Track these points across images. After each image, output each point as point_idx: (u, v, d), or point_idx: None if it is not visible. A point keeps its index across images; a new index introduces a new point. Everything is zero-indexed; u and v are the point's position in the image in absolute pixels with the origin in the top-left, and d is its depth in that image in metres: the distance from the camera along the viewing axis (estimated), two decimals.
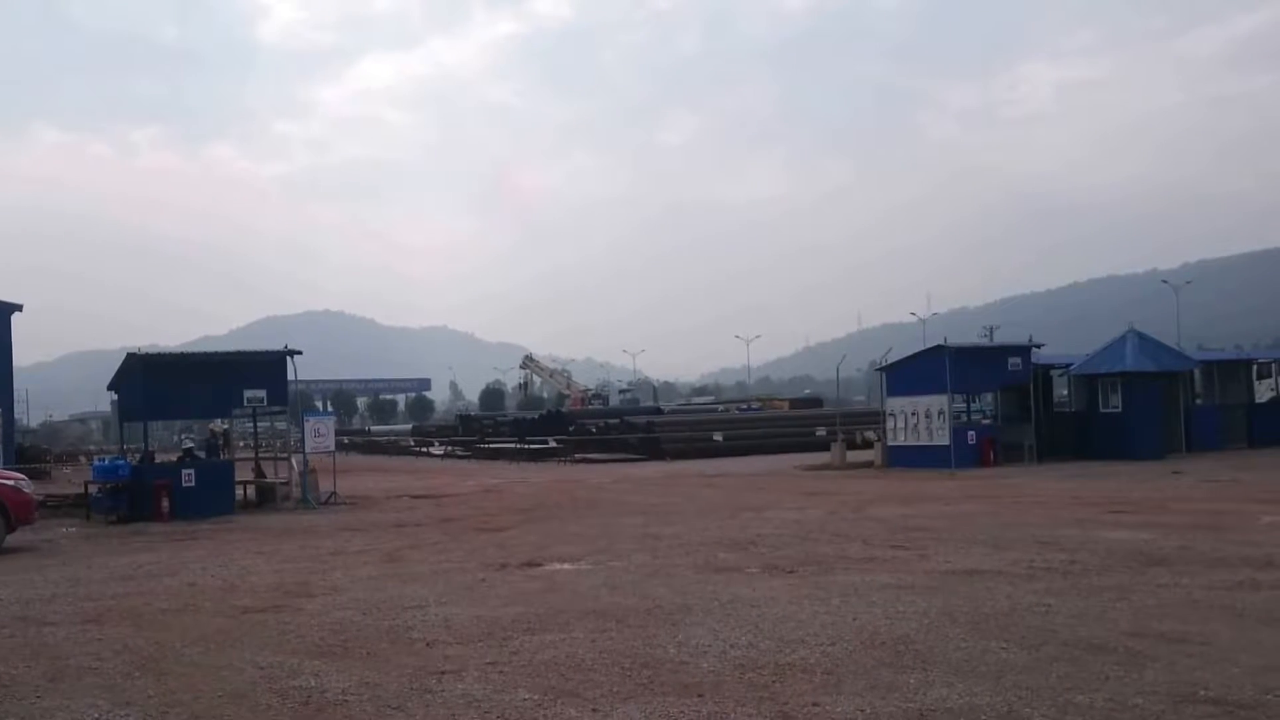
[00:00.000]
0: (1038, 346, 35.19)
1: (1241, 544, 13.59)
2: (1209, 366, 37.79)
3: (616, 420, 58.03)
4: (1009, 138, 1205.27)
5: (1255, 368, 39.79)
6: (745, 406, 77.14)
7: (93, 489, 24.79)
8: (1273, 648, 8.07)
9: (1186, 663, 7.71)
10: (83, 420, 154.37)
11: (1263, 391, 39.01)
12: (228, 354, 27.69)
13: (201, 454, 27.91)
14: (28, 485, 19.13)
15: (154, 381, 25.11)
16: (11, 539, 18.13)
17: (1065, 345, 48.51)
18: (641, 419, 57.11)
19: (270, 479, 28.02)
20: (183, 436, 45.55)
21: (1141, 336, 34.76)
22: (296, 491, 26.28)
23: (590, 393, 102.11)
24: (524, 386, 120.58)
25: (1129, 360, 33.41)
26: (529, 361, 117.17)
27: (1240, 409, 37.11)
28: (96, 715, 7.28)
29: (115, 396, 32.37)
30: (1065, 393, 39.87)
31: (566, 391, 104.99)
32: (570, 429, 57.11)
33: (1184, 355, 37.82)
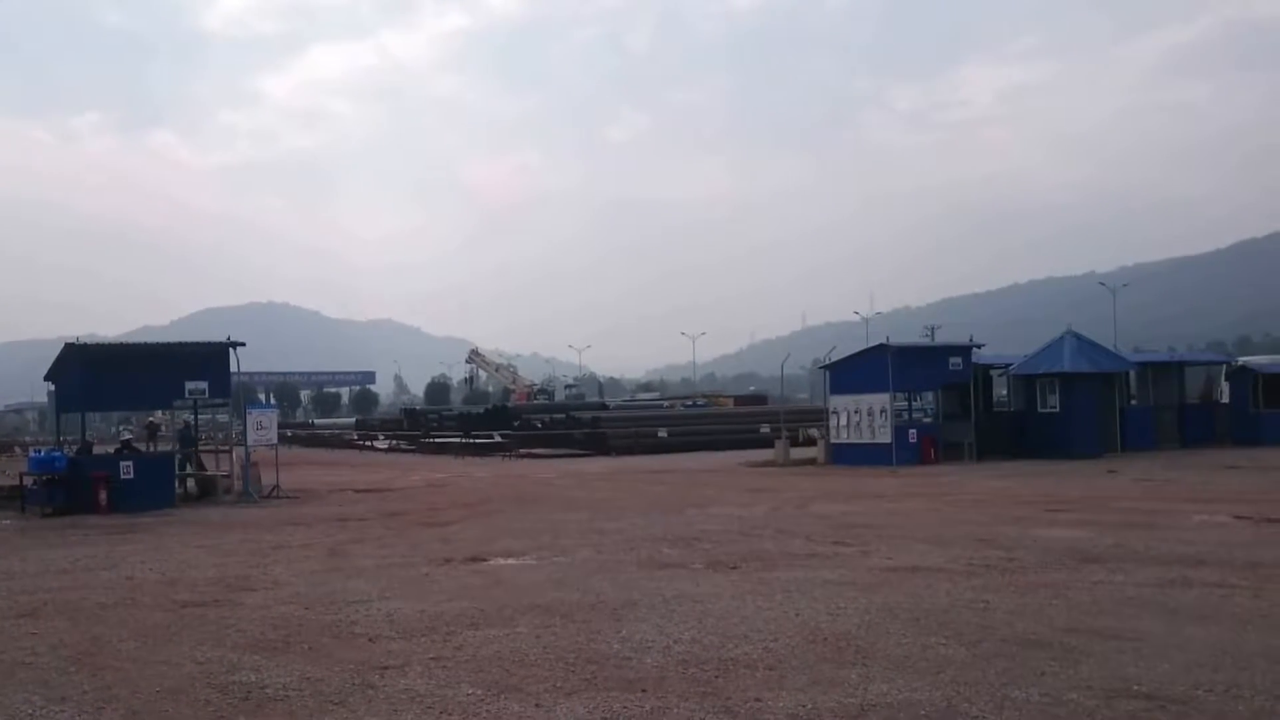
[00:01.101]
0: (978, 346, 35.50)
1: (1174, 542, 13.81)
2: (1144, 368, 38.28)
3: (562, 415, 57.91)
4: (952, 140, 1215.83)
5: (1224, 368, 40.60)
6: (690, 403, 77.16)
7: (28, 481, 24.42)
8: (1203, 644, 8.22)
9: (1120, 658, 7.85)
10: (19, 411, 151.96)
11: (1226, 393, 39.65)
12: (169, 345, 27.33)
13: (141, 446, 27.59)
14: None
15: (92, 372, 24.70)
16: None
17: (1005, 346, 48.89)
18: (587, 414, 57.04)
19: (212, 472, 27.73)
20: (121, 428, 44.92)
21: (1079, 338, 35.16)
22: (238, 485, 26.06)
23: (536, 388, 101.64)
24: (470, 381, 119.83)
25: (1067, 361, 33.79)
26: (475, 356, 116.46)
27: (1173, 410, 37.67)
28: (31, 711, 7.20)
29: (52, 387, 31.91)
30: (1005, 392, 40.20)
31: (512, 386, 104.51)
32: (516, 424, 56.88)
33: (1120, 357, 38.31)
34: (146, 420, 38.53)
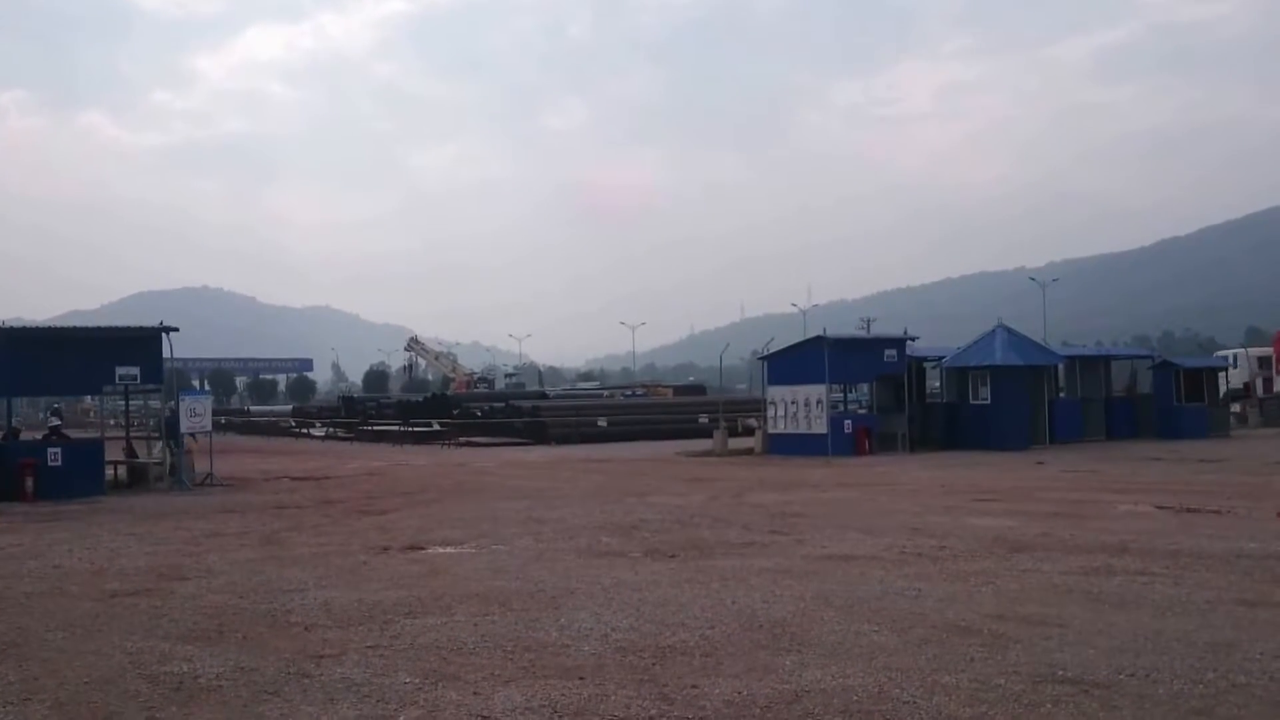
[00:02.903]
0: (912, 339, 35.87)
1: (1099, 531, 14.06)
2: (1072, 362, 38.90)
3: (502, 404, 57.72)
4: (888, 136, 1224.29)
5: (1149, 363, 41.31)
6: (630, 392, 77.28)
7: None
8: (1126, 630, 8.39)
9: (1046, 644, 7.99)
10: None
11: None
12: (98, 329, 26.97)
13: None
14: None
15: (18, 355, 24.20)
16: None
17: (938, 339, 49.43)
18: (527, 403, 56.90)
19: (143, 459, 27.38)
20: (48, 414, 44.27)
21: (1010, 331, 35.61)
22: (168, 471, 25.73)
23: (476, 376, 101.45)
24: (409, 369, 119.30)
25: (998, 354, 34.21)
26: (414, 344, 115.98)
27: (1099, 403, 38.33)
28: None
29: None
30: (938, 384, 40.66)
31: (452, 375, 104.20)
32: (455, 412, 56.62)
33: (1049, 350, 38.82)
34: (54, 406, 37.99)
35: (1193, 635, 8.22)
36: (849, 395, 38.98)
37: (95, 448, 25.48)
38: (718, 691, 6.93)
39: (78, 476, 23.32)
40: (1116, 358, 42.30)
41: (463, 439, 48.88)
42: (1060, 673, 7.21)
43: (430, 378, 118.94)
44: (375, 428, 58.19)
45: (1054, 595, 9.90)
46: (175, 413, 28.26)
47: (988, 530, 14.40)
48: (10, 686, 7.46)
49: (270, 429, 71.58)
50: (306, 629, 9.10)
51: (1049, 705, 6.54)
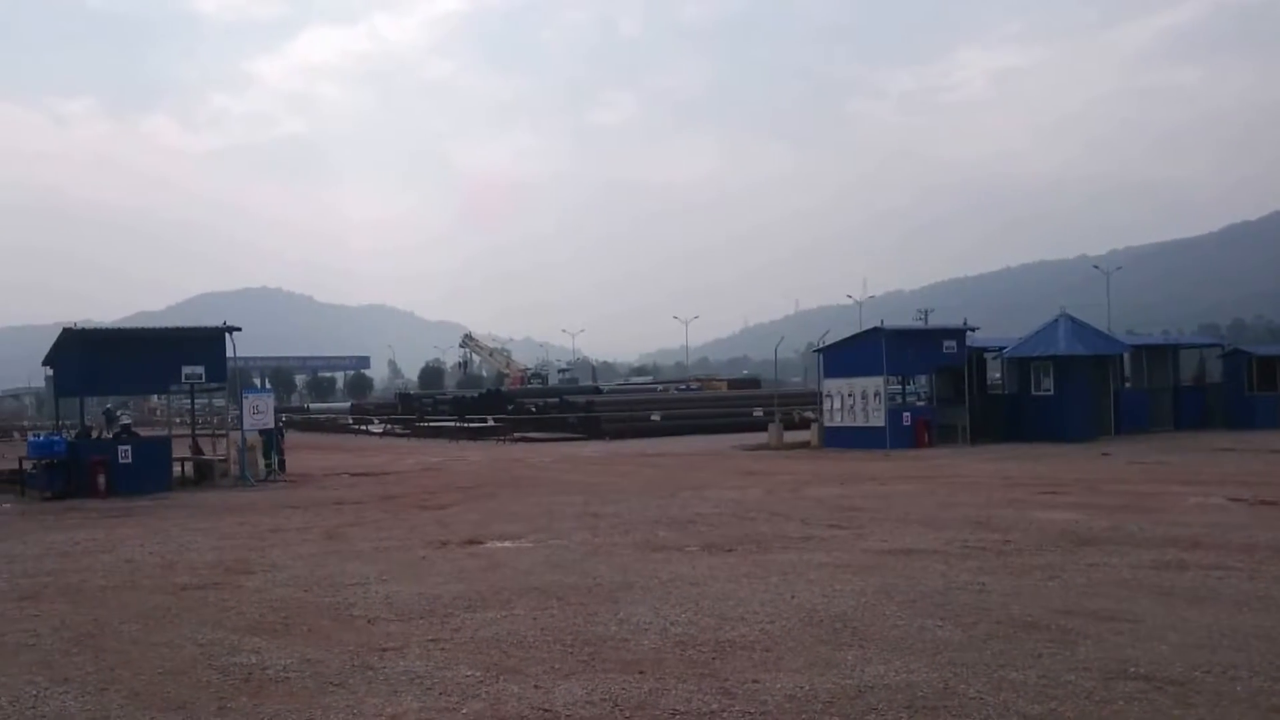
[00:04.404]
0: (972, 330, 35.51)
1: (1169, 525, 13.86)
2: (1138, 351, 38.33)
3: (556, 399, 57.89)
4: (944, 124, 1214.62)
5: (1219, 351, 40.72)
6: (684, 387, 77.13)
7: (27, 465, 24.46)
8: (1199, 626, 8.27)
9: (1116, 640, 7.89)
10: (16, 396, 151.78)
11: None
12: (166, 329, 27.32)
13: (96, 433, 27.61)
14: None
15: (91, 357, 24.76)
16: None
17: (998, 329, 49.05)
18: (581, 398, 57.02)
19: (209, 456, 27.75)
20: (120, 413, 44.90)
21: (1073, 320, 35.15)
22: (235, 469, 26.09)
23: (530, 372, 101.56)
24: (463, 365, 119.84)
25: (1061, 344, 33.80)
26: (468, 340, 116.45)
27: (1167, 392, 37.78)
28: (35, 692, 7.22)
29: (50, 372, 31.89)
30: (998, 375, 40.22)
31: (506, 370, 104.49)
32: (509, 408, 56.86)
33: (1114, 340, 38.28)
34: (104, 407, 38.51)
35: (1272, 631, 8.07)
36: (907, 387, 38.69)
37: (163, 445, 25.86)
38: (779, 686, 6.90)
39: (147, 473, 23.74)
40: (1184, 346, 41.58)
41: (517, 434, 49.07)
42: (1132, 669, 7.12)
43: (485, 374, 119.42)
44: (431, 424, 58.57)
45: (1124, 590, 9.76)
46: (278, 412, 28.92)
47: (1053, 524, 14.24)
48: (89, 676, 7.60)
49: (329, 426, 72.28)
50: (369, 622, 9.17)
51: (1121, 702, 6.45)
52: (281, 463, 27.95)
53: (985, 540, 12.88)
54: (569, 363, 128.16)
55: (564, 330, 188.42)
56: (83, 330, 25.62)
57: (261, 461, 27.56)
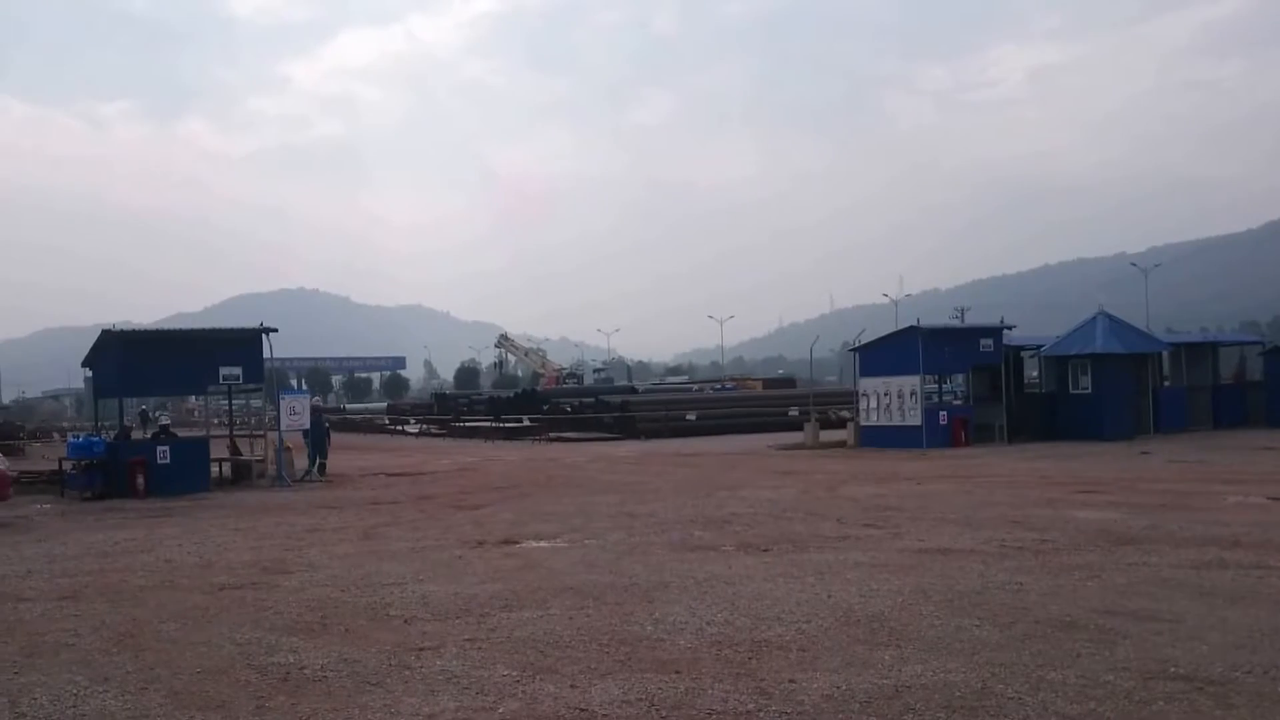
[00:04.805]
0: (1009, 328, 35.36)
1: (1209, 524, 13.74)
2: (1176, 349, 38.01)
3: (591, 399, 57.91)
4: (980, 121, 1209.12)
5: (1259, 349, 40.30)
6: (719, 386, 77.06)
7: (67, 466, 24.69)
8: (1240, 626, 8.19)
9: (1156, 640, 7.83)
10: (56, 397, 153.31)
11: None
12: (204, 330, 27.48)
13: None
14: (2, 462, 19.07)
15: (129, 358, 24.95)
16: None
17: (1035, 327, 48.67)
18: (616, 398, 57.01)
19: (246, 456, 27.93)
20: (158, 414, 45.40)
21: (1111, 319, 34.92)
22: (272, 469, 26.25)
23: (565, 372, 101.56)
24: (499, 365, 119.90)
25: (1099, 342, 33.58)
26: (504, 340, 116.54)
27: (1206, 391, 37.42)
28: (75, 691, 7.28)
29: (90, 373, 32.18)
30: (1036, 374, 40.00)
31: (541, 370, 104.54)
32: (545, 408, 56.93)
33: (1152, 338, 38.04)
34: (139, 408, 38.86)
35: None
36: (944, 386, 38.53)
37: (201, 446, 26.04)
38: (816, 686, 6.88)
39: (185, 474, 23.89)
40: (1224, 344, 41.20)
41: (553, 434, 49.10)
42: (1172, 669, 7.06)
43: (520, 374, 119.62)
44: (467, 424, 58.71)
45: (1163, 589, 9.69)
46: (318, 410, 29.14)
47: (1091, 523, 14.14)
48: (128, 676, 7.65)
49: (365, 426, 72.49)
50: (406, 622, 9.20)
51: (1161, 702, 6.40)
52: (322, 465, 28.07)
53: (1023, 539, 12.81)
54: (604, 362, 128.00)
55: (599, 330, 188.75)
56: (121, 332, 25.81)
57: (311, 460, 27.80)
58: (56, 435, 56.20)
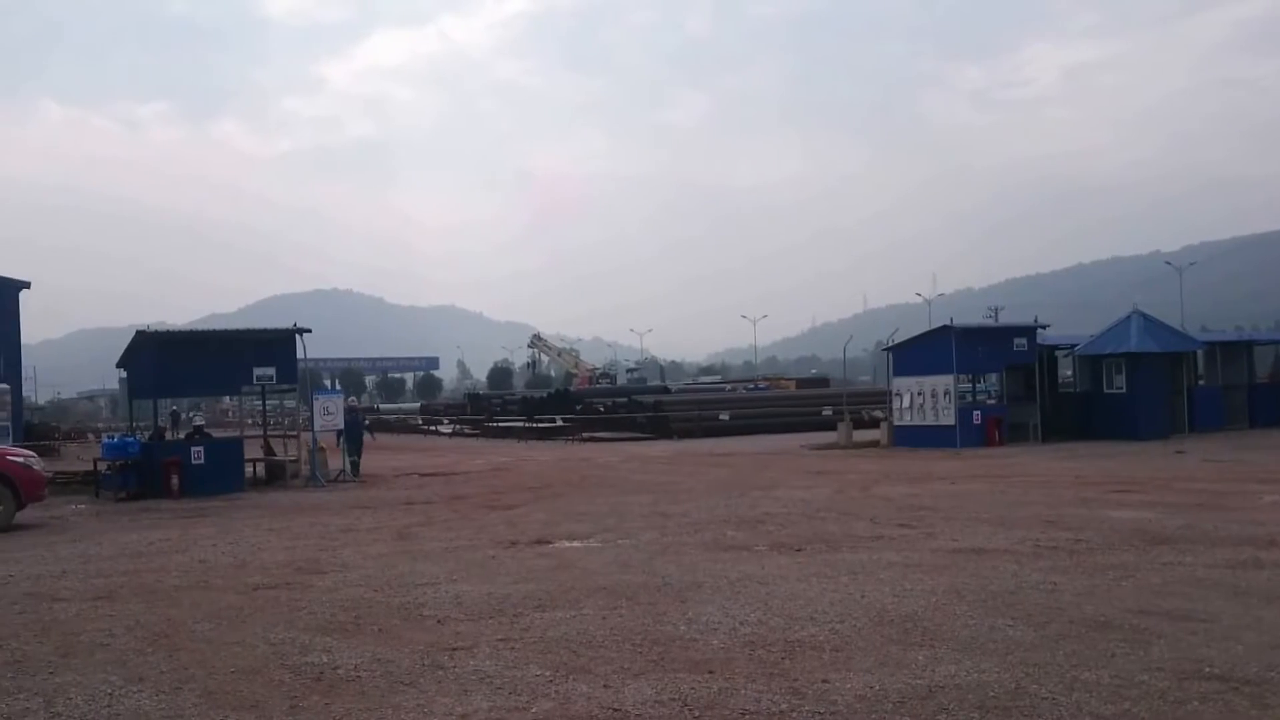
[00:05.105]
0: (1043, 327, 35.22)
1: (1244, 523, 13.63)
2: (1212, 347, 37.72)
3: (624, 399, 57.95)
4: (1014, 120, 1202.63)
5: None
6: (752, 386, 77.06)
7: (102, 466, 24.89)
8: (1276, 625, 8.12)
9: (1191, 640, 7.77)
10: (91, 398, 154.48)
11: None
12: (237, 331, 27.63)
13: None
14: (37, 462, 19.20)
15: (164, 359, 25.10)
16: (21, 516, 18.24)
17: (1069, 327, 48.41)
18: (649, 398, 57.05)
19: (280, 457, 28.08)
20: (192, 414, 45.72)
21: (1146, 317, 34.69)
22: (306, 469, 26.39)
23: (598, 372, 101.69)
24: (532, 365, 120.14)
25: (1133, 341, 33.38)
26: (537, 340, 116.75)
27: (1242, 389, 37.12)
28: (109, 690, 7.32)
29: (124, 374, 32.43)
30: (1070, 373, 39.86)
31: (574, 370, 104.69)
32: (578, 407, 56.97)
33: (1187, 336, 37.74)
34: (170, 409, 39.06)
35: None
36: (977, 385, 38.39)
37: (235, 446, 26.19)
38: (849, 686, 6.86)
39: (219, 474, 24.03)
40: (1260, 343, 40.88)
41: (586, 434, 49.16)
42: (1207, 669, 7.01)
43: (553, 374, 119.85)
44: (500, 424, 58.82)
45: (1198, 589, 9.61)
46: (354, 409, 29.31)
47: (1126, 522, 14.05)
48: (162, 675, 7.70)
49: (399, 426, 72.77)
50: (439, 622, 9.22)
51: (1195, 703, 6.35)
52: (354, 464, 28.23)
53: (1057, 539, 12.73)
54: (637, 362, 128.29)
55: (632, 330, 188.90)
56: (156, 333, 25.98)
57: (346, 461, 27.96)
58: (91, 436, 56.60)
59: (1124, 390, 33.53)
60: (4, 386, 29.12)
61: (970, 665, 7.25)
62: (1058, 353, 37.56)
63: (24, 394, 45.36)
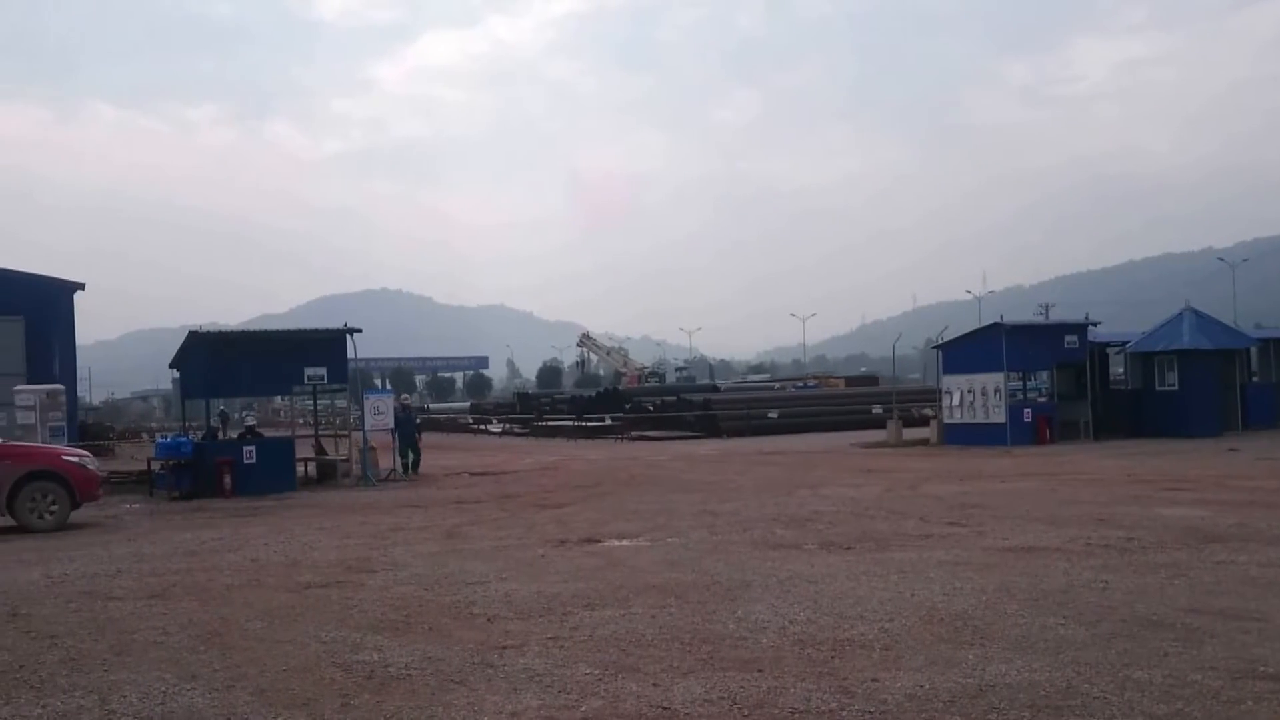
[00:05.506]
0: (1094, 324, 34.92)
1: None
2: (1265, 344, 37.28)
3: (673, 398, 57.83)
4: (1064, 117, 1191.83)
5: None
6: (801, 384, 76.82)
7: (155, 466, 25.17)
8: None
9: (1244, 639, 7.70)
10: (144, 398, 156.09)
11: None
12: (289, 332, 27.86)
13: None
14: (92, 462, 19.43)
15: (216, 359, 25.31)
16: (76, 515, 18.47)
17: (1121, 324, 48.05)
18: (698, 396, 56.92)
19: (331, 456, 28.29)
20: (243, 414, 46.10)
21: (1198, 314, 34.36)
22: (356, 469, 26.56)
23: (647, 370, 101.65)
24: (581, 364, 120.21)
25: (1185, 338, 33.07)
26: (586, 339, 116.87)
27: None
28: (163, 688, 7.39)
29: (177, 374, 32.75)
30: (1121, 370, 39.52)
31: (623, 369, 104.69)
32: (627, 406, 56.91)
33: (1240, 333, 37.31)
34: (219, 409, 39.41)
35: None
36: (1028, 383, 38.10)
37: (287, 446, 26.42)
38: (899, 685, 6.85)
39: (271, 473, 24.23)
40: None
41: (635, 433, 49.16)
42: (1261, 668, 6.94)
43: (602, 373, 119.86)
44: (549, 423, 58.91)
45: (1252, 588, 9.52)
46: (407, 408, 29.52)
47: (1178, 520, 13.92)
48: (215, 674, 7.78)
49: (449, 426, 73.06)
50: (489, 620, 9.27)
51: (1249, 702, 6.30)
52: (407, 465, 28.33)
53: (1108, 537, 12.64)
54: (686, 361, 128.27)
55: (681, 329, 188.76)
56: (208, 333, 26.23)
57: (398, 460, 28.13)
58: (145, 436, 57.19)
59: (1176, 388, 33.21)
60: (59, 387, 29.46)
61: (1021, 664, 7.21)
62: (1109, 350, 37.23)
63: (79, 395, 46.04)
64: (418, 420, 31.25)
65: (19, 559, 14.24)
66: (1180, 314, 34.35)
